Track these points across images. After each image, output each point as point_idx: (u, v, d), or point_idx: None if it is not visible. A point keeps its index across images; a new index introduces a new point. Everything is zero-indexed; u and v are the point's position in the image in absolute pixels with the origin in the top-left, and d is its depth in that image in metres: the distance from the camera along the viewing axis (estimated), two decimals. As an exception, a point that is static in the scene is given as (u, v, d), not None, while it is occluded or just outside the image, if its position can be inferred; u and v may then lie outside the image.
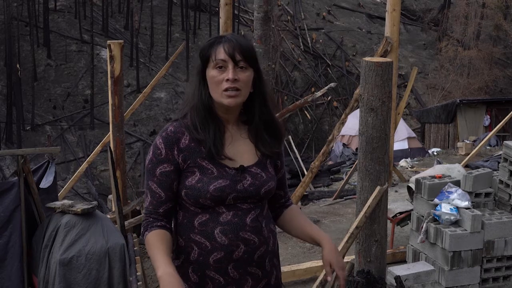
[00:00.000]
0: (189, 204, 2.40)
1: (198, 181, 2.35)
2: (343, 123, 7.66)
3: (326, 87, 8.21)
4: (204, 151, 2.38)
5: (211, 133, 2.38)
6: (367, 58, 4.44)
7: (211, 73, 2.36)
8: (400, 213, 5.99)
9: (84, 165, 8.74)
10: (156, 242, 2.32)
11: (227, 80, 2.32)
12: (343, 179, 9.57)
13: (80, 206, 4.65)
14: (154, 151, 2.40)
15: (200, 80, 2.41)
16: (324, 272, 4.44)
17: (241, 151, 2.45)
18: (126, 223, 5.76)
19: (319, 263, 5.73)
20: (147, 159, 2.43)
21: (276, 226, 2.62)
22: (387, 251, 5.01)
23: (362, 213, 4.41)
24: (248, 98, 2.43)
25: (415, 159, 13.58)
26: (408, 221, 5.76)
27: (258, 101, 2.45)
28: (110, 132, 6.80)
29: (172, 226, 2.45)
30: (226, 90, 2.33)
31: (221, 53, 2.34)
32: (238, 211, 2.38)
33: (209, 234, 2.36)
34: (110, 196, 7.29)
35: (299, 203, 7.58)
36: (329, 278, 2.43)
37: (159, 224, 2.38)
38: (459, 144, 14.60)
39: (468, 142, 14.64)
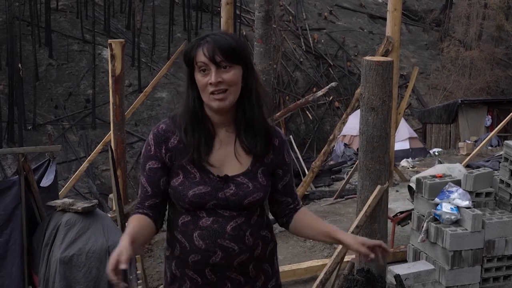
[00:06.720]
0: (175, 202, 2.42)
1: (180, 184, 2.34)
2: (344, 123, 7.66)
3: (327, 87, 8.21)
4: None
5: (195, 138, 2.34)
6: (368, 57, 4.45)
7: (197, 76, 2.31)
8: (401, 212, 5.98)
9: (85, 164, 8.74)
10: (129, 224, 2.35)
11: (211, 83, 2.27)
12: (344, 178, 9.55)
13: (80, 205, 4.65)
14: (146, 146, 2.42)
15: (189, 84, 2.36)
16: (324, 271, 4.45)
17: (229, 158, 2.37)
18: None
19: (320, 262, 5.74)
20: (142, 152, 2.47)
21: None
22: (388, 250, 5.01)
23: (362, 212, 4.41)
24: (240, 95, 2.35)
25: (416, 159, 13.55)
26: (409, 221, 5.75)
27: (245, 97, 2.36)
28: (111, 131, 6.81)
29: (160, 216, 2.44)
30: (212, 93, 2.28)
31: (201, 56, 2.27)
32: (219, 217, 2.33)
33: (189, 236, 2.35)
34: (111, 195, 7.29)
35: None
36: (372, 256, 2.31)
37: (140, 211, 2.39)
38: (460, 144, 14.55)
39: (469, 142, 14.59)
